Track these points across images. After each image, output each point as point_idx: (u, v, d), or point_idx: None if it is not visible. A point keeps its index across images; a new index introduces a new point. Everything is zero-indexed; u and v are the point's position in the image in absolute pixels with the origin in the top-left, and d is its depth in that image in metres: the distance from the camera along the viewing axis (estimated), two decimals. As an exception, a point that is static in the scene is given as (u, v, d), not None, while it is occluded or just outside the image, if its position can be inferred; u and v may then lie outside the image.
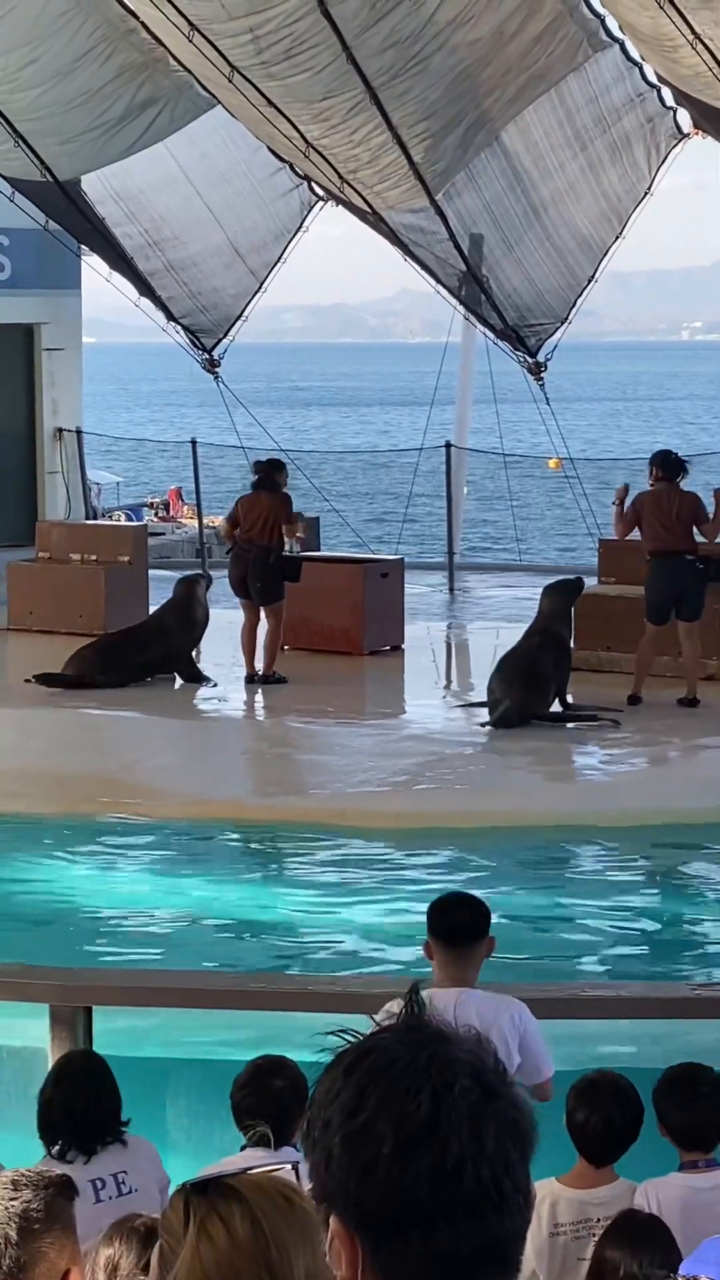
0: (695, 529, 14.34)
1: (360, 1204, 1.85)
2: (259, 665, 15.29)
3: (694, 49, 13.70)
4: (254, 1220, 2.02)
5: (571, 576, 15.11)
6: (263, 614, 15.30)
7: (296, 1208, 2.06)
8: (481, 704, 14.08)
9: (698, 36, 13.50)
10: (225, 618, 16.18)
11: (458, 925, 5.63)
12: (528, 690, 13.77)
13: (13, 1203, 2.87)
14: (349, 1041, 1.92)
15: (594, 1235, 5.14)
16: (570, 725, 13.87)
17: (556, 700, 13.98)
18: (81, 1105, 5.37)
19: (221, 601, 16.20)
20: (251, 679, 15.28)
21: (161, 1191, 5.36)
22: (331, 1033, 1.92)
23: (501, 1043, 5.49)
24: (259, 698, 15.18)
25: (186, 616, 15.51)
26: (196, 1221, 2.03)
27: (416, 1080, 1.84)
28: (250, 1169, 2.15)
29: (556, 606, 14.31)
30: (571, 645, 14.42)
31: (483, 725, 13.73)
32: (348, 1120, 1.85)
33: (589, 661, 15.24)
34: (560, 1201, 5.28)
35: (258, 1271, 2.00)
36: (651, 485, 14.44)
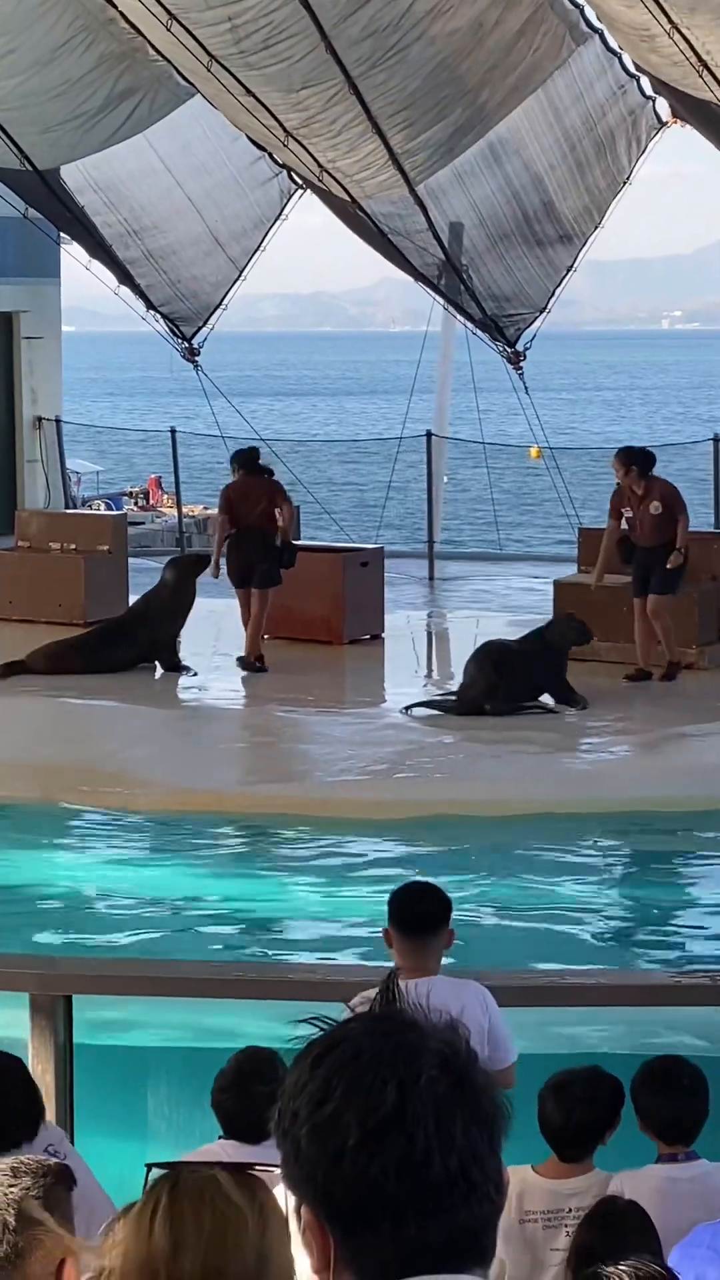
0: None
1: (329, 1195, 1.86)
2: (243, 650, 15.33)
3: (671, 39, 13.71)
4: (215, 1214, 2.02)
5: (583, 628, 14.87)
6: (253, 598, 15.31)
7: (255, 1206, 2.06)
8: (447, 699, 14.12)
9: (675, 26, 13.51)
10: (205, 607, 16.18)
11: (419, 915, 5.63)
12: (499, 678, 13.80)
13: (12, 1189, 2.88)
14: (321, 1029, 1.93)
15: (566, 1225, 5.14)
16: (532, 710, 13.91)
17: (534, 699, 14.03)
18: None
19: (203, 590, 16.19)
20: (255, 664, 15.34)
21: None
22: (303, 1020, 1.94)
23: (475, 1028, 5.49)
24: (239, 687, 15.19)
25: (173, 603, 15.45)
26: (155, 1204, 2.03)
27: (383, 1072, 1.85)
28: (224, 1164, 2.15)
29: (570, 640, 14.27)
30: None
31: (443, 709, 13.79)
32: (315, 1111, 1.86)
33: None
34: (532, 1190, 5.25)
35: (204, 1262, 2.00)
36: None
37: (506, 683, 13.84)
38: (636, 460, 14.80)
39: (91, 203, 19.62)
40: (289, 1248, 2.01)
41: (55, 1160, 3.07)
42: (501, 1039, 5.62)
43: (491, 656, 13.99)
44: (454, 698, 14.03)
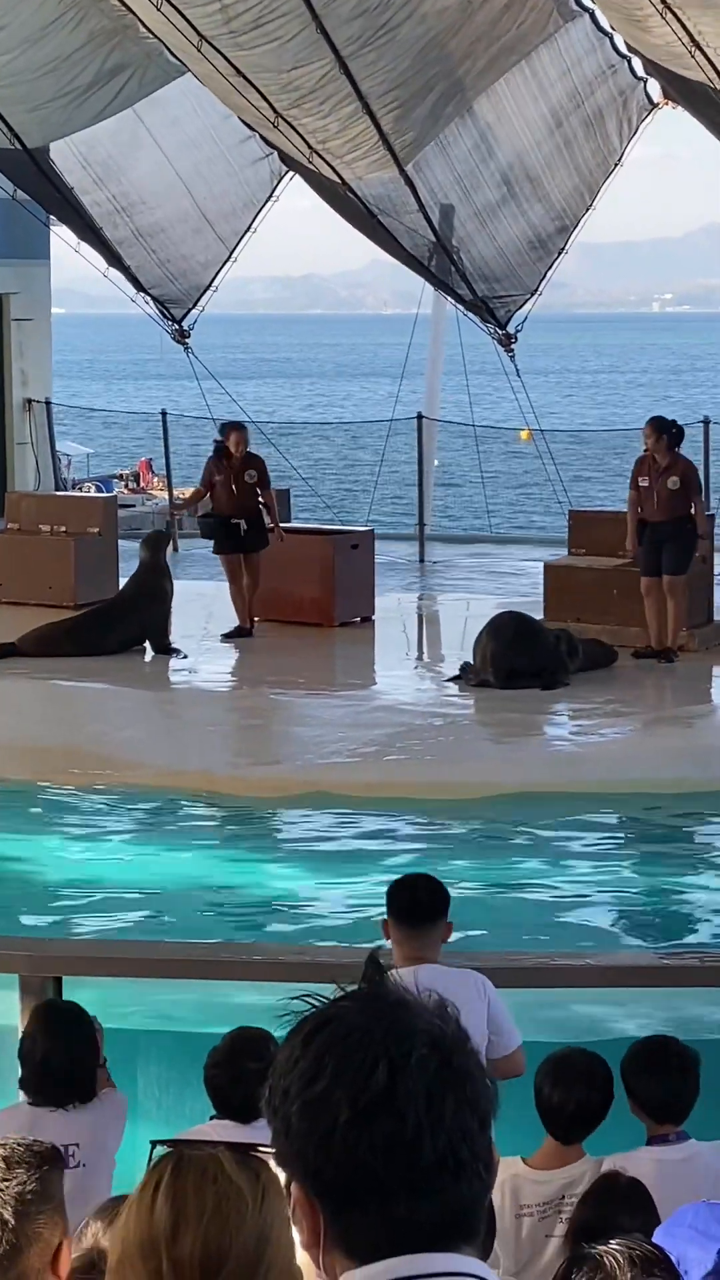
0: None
1: (318, 1172, 1.86)
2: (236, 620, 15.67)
3: (664, 19, 13.68)
4: (217, 1193, 2.02)
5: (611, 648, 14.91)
6: (243, 567, 15.62)
7: (257, 1185, 2.05)
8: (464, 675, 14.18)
9: (667, 6, 13.48)
10: (193, 589, 16.20)
11: (415, 904, 5.63)
12: (520, 652, 13.89)
13: (7, 1184, 2.86)
14: (313, 1007, 1.92)
15: (562, 1214, 5.13)
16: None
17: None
18: (57, 1058, 5.33)
19: (194, 575, 16.17)
20: (246, 633, 15.67)
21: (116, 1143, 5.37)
22: (296, 997, 1.93)
23: (475, 1016, 5.48)
24: (230, 669, 15.19)
25: (157, 583, 15.48)
26: (158, 1181, 2.03)
27: (374, 1051, 1.85)
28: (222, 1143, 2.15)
29: (587, 662, 14.32)
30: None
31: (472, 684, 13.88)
32: (305, 1089, 1.86)
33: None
34: (525, 1184, 5.25)
35: (205, 1241, 1.99)
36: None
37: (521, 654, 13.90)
38: (668, 430, 14.80)
39: (80, 181, 19.56)
40: (290, 1228, 2.01)
41: (42, 1143, 3.06)
42: (503, 1024, 5.62)
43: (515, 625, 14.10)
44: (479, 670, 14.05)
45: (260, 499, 15.65)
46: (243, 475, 15.54)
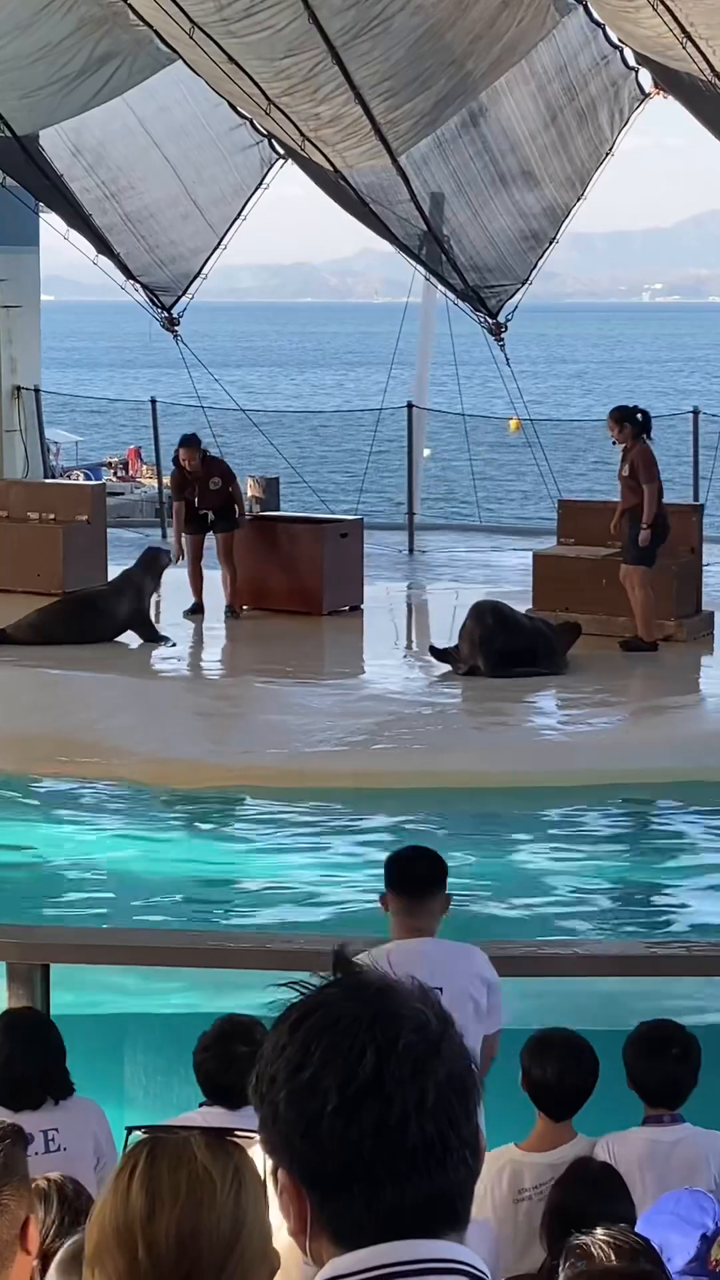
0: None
1: (305, 1159, 1.87)
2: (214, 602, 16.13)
3: (655, 10, 13.67)
4: (190, 1177, 2.02)
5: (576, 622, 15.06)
6: (219, 555, 16.17)
7: (238, 1172, 2.06)
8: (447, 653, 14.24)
9: (660, -3, 13.47)
10: (180, 577, 16.24)
11: (415, 875, 5.68)
12: (503, 636, 13.99)
13: None
14: (301, 994, 1.93)
15: None
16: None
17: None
18: (19, 1065, 5.37)
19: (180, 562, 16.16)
20: (199, 610, 16.24)
21: (99, 1155, 5.34)
22: (284, 984, 1.94)
23: (482, 985, 5.53)
24: (218, 657, 15.20)
25: (146, 579, 15.65)
26: (133, 1167, 2.03)
27: (361, 1037, 1.86)
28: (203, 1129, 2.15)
29: (566, 641, 14.43)
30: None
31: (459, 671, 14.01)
32: (293, 1076, 1.86)
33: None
34: (521, 1168, 5.30)
35: (179, 1223, 2.00)
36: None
37: (504, 642, 13.95)
38: (630, 418, 14.75)
39: (69, 167, 19.53)
40: (266, 1212, 2.02)
41: (3, 1121, 3.07)
42: (496, 1003, 5.66)
43: (495, 614, 14.17)
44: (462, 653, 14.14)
45: (231, 495, 16.36)
46: (208, 484, 16.21)
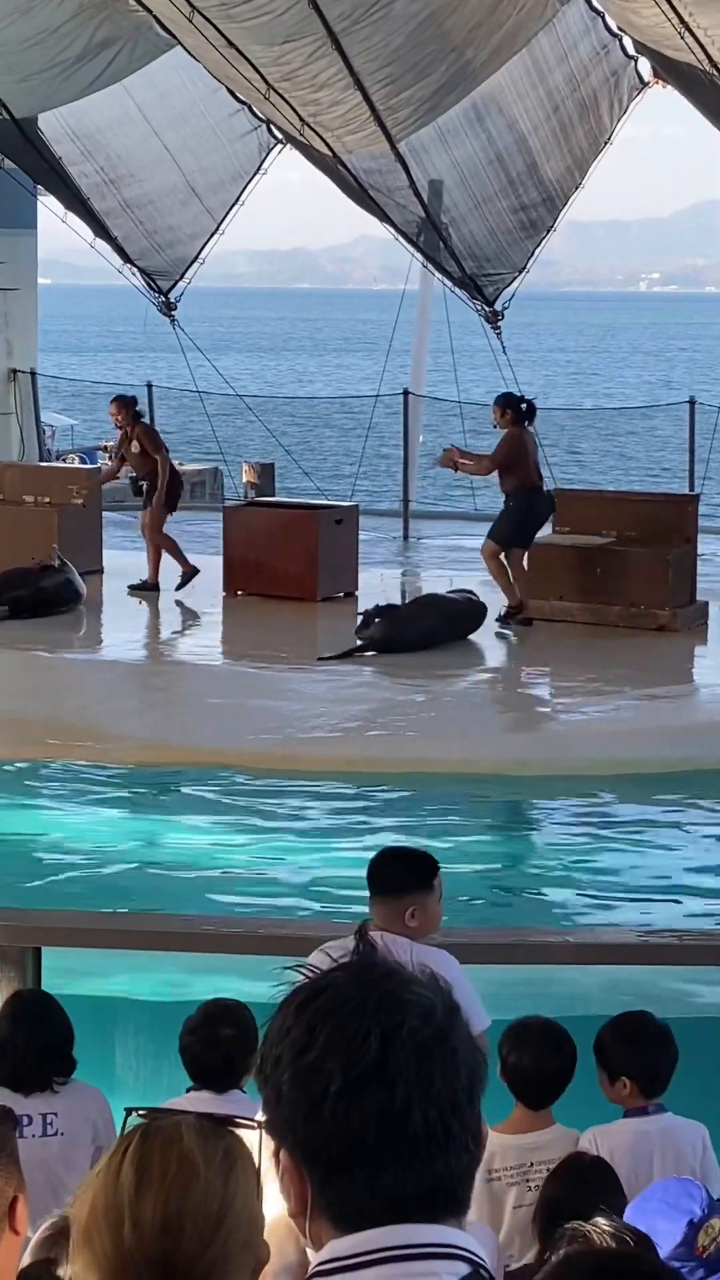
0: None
1: (308, 1141, 1.88)
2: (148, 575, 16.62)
3: (655, 2, 13.65)
4: (180, 1158, 2.04)
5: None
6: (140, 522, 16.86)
7: (229, 1157, 2.07)
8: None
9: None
10: (169, 564, 16.28)
11: (384, 878, 5.62)
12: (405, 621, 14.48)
13: None
14: (306, 977, 1.94)
15: (530, 1180, 5.19)
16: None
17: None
18: (24, 1049, 5.37)
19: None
20: (190, 575, 16.54)
21: (97, 1142, 5.35)
22: (289, 967, 1.95)
23: None
24: (212, 642, 15.20)
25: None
26: (125, 1148, 2.05)
27: (366, 1021, 1.87)
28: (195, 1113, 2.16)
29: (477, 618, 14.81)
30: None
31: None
32: (297, 1058, 1.87)
33: (541, 611, 15.32)
34: (497, 1148, 5.32)
35: (166, 1202, 2.01)
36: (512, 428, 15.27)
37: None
38: (513, 405, 15.28)
39: (68, 152, 19.51)
40: (255, 1197, 2.03)
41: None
42: (468, 1005, 5.59)
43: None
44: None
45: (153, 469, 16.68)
46: (130, 445, 16.76)
